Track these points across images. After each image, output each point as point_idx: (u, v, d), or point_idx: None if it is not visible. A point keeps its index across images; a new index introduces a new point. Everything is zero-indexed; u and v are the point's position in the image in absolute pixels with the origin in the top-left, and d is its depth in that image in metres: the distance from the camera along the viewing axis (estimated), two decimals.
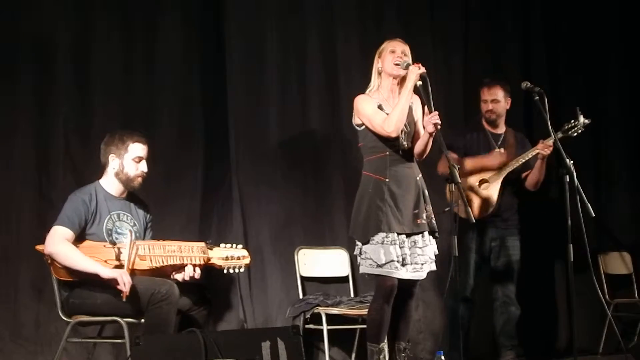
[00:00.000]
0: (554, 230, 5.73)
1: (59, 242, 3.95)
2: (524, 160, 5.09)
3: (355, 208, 4.21)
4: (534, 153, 5.04)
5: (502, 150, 5.17)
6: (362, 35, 5.46)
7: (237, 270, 4.23)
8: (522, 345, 5.31)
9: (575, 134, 4.97)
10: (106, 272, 3.91)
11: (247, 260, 4.27)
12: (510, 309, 5.17)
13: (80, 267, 3.93)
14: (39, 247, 4.05)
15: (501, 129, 5.27)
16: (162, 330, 3.86)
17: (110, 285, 3.91)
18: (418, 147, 4.23)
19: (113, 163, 4.16)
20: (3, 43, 4.75)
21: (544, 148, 4.96)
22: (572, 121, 4.94)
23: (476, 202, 5.06)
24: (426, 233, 4.20)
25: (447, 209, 4.77)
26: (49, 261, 4.01)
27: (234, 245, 4.27)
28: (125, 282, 3.85)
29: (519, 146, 5.24)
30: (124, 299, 3.86)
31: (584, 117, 4.90)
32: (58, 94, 4.86)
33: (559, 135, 4.89)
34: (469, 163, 5.10)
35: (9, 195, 4.72)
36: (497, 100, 5.19)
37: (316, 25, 5.49)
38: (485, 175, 5.10)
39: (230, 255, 4.21)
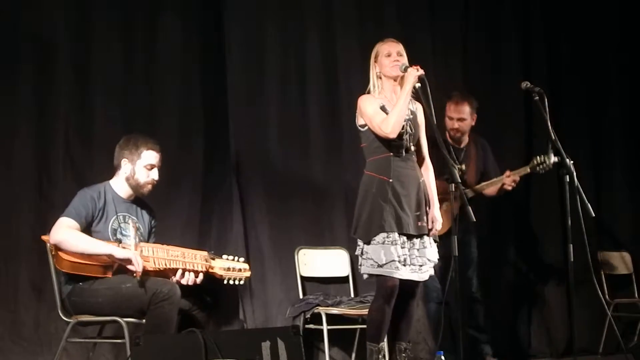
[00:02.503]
0: (554, 230, 5.75)
1: (65, 231, 3.96)
2: (489, 185, 5.06)
3: (357, 208, 4.20)
4: (499, 184, 5.02)
5: (462, 166, 5.09)
6: (362, 35, 5.46)
7: (237, 282, 4.27)
8: (522, 345, 5.31)
9: (542, 172, 4.90)
10: (120, 252, 3.94)
11: (248, 274, 4.31)
12: (475, 306, 5.14)
13: (92, 250, 3.94)
14: (44, 237, 4.06)
15: (464, 143, 5.22)
16: (163, 330, 3.86)
17: (121, 268, 3.94)
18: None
19: (125, 167, 4.17)
20: (3, 43, 4.75)
21: (510, 183, 4.93)
22: (542, 157, 4.85)
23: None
24: (425, 236, 4.20)
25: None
26: (53, 252, 4.01)
27: (236, 257, 4.30)
28: (138, 262, 3.89)
29: (480, 154, 5.21)
30: (138, 278, 3.88)
31: (554, 155, 4.51)
32: (58, 94, 4.86)
33: (527, 169, 4.90)
34: None
35: (9, 195, 4.72)
36: (463, 118, 5.12)
37: (316, 25, 5.49)
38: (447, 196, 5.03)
39: (232, 267, 4.25)
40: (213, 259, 4.22)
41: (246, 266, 4.31)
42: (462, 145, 5.22)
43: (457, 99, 5.14)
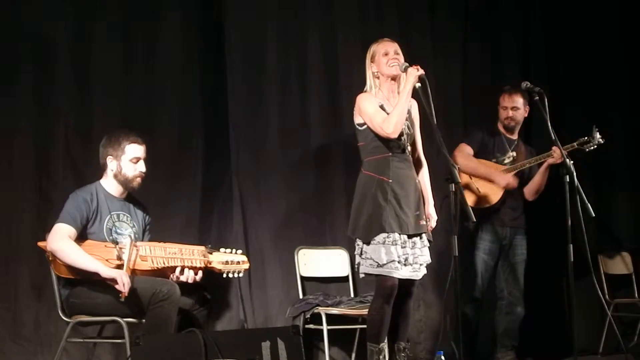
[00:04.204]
0: (554, 230, 5.74)
1: (61, 239, 3.96)
2: (535, 162, 5.17)
3: (355, 208, 4.20)
4: (547, 158, 5.10)
5: (514, 153, 5.24)
6: (362, 35, 5.46)
7: (236, 275, 4.27)
8: (522, 345, 5.31)
9: (587, 150, 5.08)
10: (106, 271, 3.92)
11: (246, 266, 4.31)
12: (517, 309, 5.19)
13: (81, 265, 3.94)
14: (41, 244, 4.06)
15: (515, 136, 5.35)
16: (163, 330, 3.86)
17: (110, 284, 3.91)
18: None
19: (111, 165, 4.17)
20: (3, 43, 4.75)
21: (558, 155, 4.96)
22: (587, 137, 5.05)
23: (482, 192, 5.08)
24: (424, 235, 4.21)
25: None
26: (50, 258, 4.01)
27: (234, 250, 4.30)
28: (124, 283, 3.86)
29: (528, 155, 5.31)
30: (122, 299, 3.86)
31: (599, 135, 5.02)
32: (58, 94, 4.86)
33: (575, 145, 5.03)
34: (479, 164, 5.14)
35: (9, 195, 4.71)
36: (517, 107, 5.26)
37: (316, 25, 5.49)
38: (496, 168, 5.16)
39: (230, 260, 4.25)
40: (211, 253, 4.21)
41: (244, 258, 4.30)
42: (514, 138, 5.34)
43: (510, 90, 5.28)
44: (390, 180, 4.14)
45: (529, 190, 5.29)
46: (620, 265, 6.12)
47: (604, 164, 6.19)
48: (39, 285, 4.62)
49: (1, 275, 4.66)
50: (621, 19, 6.34)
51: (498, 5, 6.06)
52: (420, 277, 4.22)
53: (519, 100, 5.24)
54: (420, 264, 4.19)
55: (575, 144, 5.05)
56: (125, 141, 4.17)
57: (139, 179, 4.20)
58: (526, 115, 5.32)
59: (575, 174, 4.23)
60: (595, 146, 5.07)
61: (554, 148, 5.01)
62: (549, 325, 5.80)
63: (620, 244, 6.15)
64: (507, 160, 5.24)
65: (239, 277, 4.31)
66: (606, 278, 5.96)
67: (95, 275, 3.91)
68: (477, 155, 5.24)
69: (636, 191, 6.23)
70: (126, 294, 3.85)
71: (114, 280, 3.88)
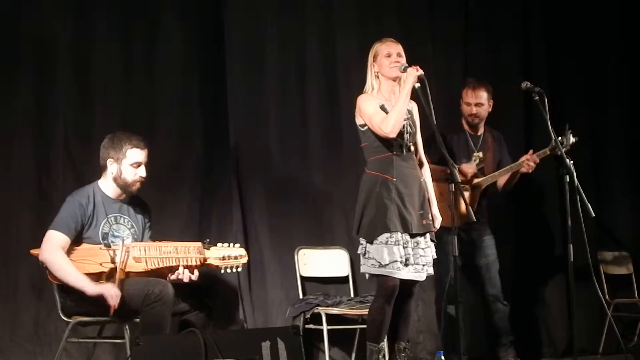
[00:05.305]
0: (554, 230, 5.75)
1: (52, 251, 3.93)
2: (506, 173, 5.01)
3: (360, 207, 4.19)
4: (517, 168, 4.96)
5: (480, 154, 5.10)
6: (362, 35, 5.46)
7: (234, 270, 4.20)
8: (522, 345, 5.31)
9: (559, 153, 4.80)
10: (92, 288, 3.87)
11: (245, 260, 4.23)
12: (499, 306, 5.12)
13: (68, 282, 3.90)
14: (33, 252, 4.03)
15: (480, 131, 5.19)
16: (157, 331, 3.83)
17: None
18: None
19: (111, 168, 4.12)
20: (3, 43, 4.76)
21: (530, 163, 4.86)
22: (560, 138, 4.73)
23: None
24: (427, 235, 4.21)
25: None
26: (44, 265, 3.99)
27: (232, 244, 4.23)
28: (112, 296, 3.82)
29: (496, 146, 5.18)
30: (111, 313, 3.82)
31: (572, 135, 4.75)
32: (58, 94, 4.86)
33: (547, 152, 4.85)
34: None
35: (9, 195, 4.72)
36: (481, 103, 5.10)
37: (316, 25, 5.50)
38: (465, 184, 4.98)
39: (227, 255, 4.17)
40: (208, 249, 4.14)
41: (242, 252, 4.22)
42: (479, 133, 5.18)
43: (473, 85, 5.12)
44: (395, 179, 4.13)
45: (498, 185, 5.12)
46: (620, 265, 6.11)
47: (604, 164, 6.19)
48: (39, 285, 4.62)
49: (1, 276, 4.67)
50: (621, 18, 6.34)
51: (498, 5, 6.06)
52: (424, 278, 4.21)
53: (483, 95, 5.08)
54: (423, 265, 4.17)
55: (547, 149, 4.83)
56: (127, 145, 4.11)
57: (138, 184, 4.15)
58: (490, 109, 5.14)
59: (575, 173, 4.22)
60: (569, 148, 4.69)
61: (526, 157, 4.88)
62: (547, 326, 5.81)
63: (620, 244, 6.15)
64: (474, 164, 5.05)
65: (238, 272, 4.25)
66: (606, 278, 5.95)
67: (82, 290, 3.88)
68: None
69: (636, 191, 6.23)
70: (116, 307, 3.82)
71: (102, 297, 3.83)
